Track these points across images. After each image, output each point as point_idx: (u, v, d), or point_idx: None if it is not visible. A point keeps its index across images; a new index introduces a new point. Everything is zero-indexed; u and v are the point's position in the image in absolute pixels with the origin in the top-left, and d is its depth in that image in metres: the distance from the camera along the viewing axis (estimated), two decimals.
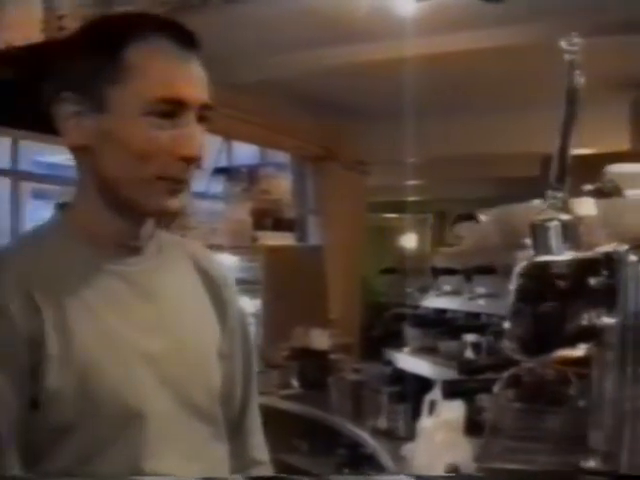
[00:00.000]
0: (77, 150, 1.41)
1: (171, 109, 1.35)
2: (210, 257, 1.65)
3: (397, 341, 4.42)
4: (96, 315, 1.36)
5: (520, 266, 1.60)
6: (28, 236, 1.50)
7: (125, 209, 1.40)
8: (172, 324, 1.45)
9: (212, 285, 1.57)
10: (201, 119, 1.39)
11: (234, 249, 5.61)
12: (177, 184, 1.38)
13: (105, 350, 1.34)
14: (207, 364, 1.50)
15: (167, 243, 1.54)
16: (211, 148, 6.48)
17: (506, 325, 1.54)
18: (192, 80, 1.38)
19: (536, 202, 3.31)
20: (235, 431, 1.59)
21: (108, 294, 1.39)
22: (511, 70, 5.57)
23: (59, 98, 1.37)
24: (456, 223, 4.32)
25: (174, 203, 1.39)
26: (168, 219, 1.48)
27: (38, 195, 5.48)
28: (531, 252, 1.68)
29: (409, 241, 12.34)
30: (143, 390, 1.37)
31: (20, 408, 1.30)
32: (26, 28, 3.62)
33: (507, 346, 1.56)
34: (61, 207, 1.47)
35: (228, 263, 5.26)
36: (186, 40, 1.38)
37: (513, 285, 1.59)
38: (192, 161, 1.38)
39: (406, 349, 4.28)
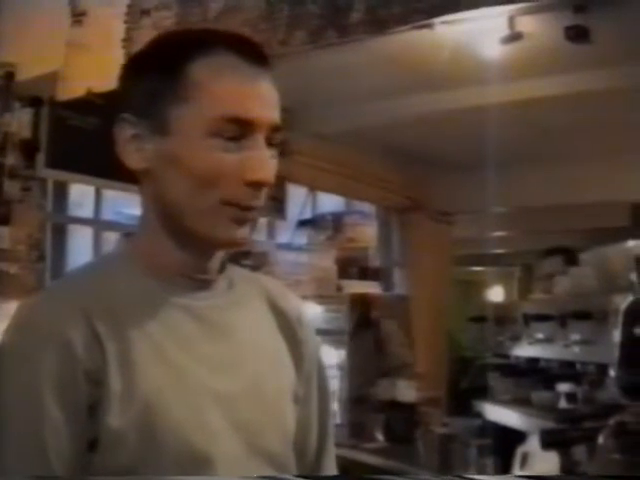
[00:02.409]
0: (140, 175, 1.34)
1: (238, 130, 1.26)
2: (285, 294, 1.54)
3: (486, 393, 4.30)
4: (161, 351, 1.27)
5: (626, 303, 1.51)
6: (91, 267, 1.42)
7: (189, 240, 1.31)
8: (243, 364, 1.36)
9: (287, 324, 1.47)
10: (271, 143, 1.30)
11: (318, 298, 5.54)
12: (244, 211, 1.29)
13: (170, 389, 1.25)
14: (281, 407, 1.40)
15: (239, 278, 1.45)
16: (296, 199, 6.52)
17: (612, 371, 1.45)
18: (262, 99, 1.29)
19: (631, 243, 3.22)
20: None
21: (174, 329, 1.30)
22: (600, 116, 5.44)
23: (119, 119, 1.31)
24: (547, 258, 4.21)
25: (241, 233, 1.30)
26: (233, 250, 1.40)
27: None
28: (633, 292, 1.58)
29: (495, 295, 12.15)
30: (211, 432, 1.27)
31: (77, 449, 1.21)
32: (108, 74, 3.64)
33: (614, 391, 1.46)
34: (126, 237, 1.40)
35: (312, 312, 5.17)
36: (255, 56, 1.30)
37: (619, 324, 1.50)
38: (260, 186, 1.28)
39: (496, 400, 4.16)
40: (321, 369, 1.55)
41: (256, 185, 1.28)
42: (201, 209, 1.28)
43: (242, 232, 1.31)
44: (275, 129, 1.31)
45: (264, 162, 1.28)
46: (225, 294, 1.39)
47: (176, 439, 1.24)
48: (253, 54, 1.30)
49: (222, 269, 1.40)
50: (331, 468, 1.54)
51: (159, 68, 1.29)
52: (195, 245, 1.33)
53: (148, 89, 1.30)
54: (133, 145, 1.31)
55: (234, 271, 1.45)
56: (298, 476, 1.40)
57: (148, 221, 1.36)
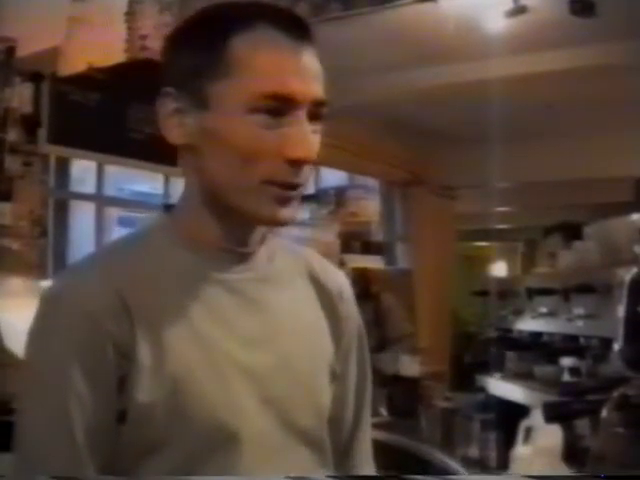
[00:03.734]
0: (181, 149, 1.32)
1: (279, 106, 1.24)
2: (328, 269, 1.51)
3: (490, 367, 4.30)
4: (194, 325, 1.26)
5: (630, 275, 1.50)
6: (128, 239, 1.41)
7: (231, 215, 1.30)
8: (279, 339, 1.34)
9: (327, 299, 1.45)
10: (314, 117, 1.27)
11: None
12: (286, 190, 1.26)
13: (201, 363, 1.25)
14: (316, 384, 1.38)
15: (280, 250, 1.43)
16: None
17: (616, 344, 1.44)
18: (303, 74, 1.26)
19: (635, 216, 3.21)
20: (343, 458, 1.47)
21: (208, 303, 1.29)
22: (604, 91, 5.41)
23: (161, 94, 1.29)
24: (548, 237, 4.20)
25: (284, 213, 1.27)
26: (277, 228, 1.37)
27: (124, 222, 5.49)
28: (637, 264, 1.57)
29: (498, 270, 12.15)
30: (242, 408, 1.26)
31: (104, 421, 1.21)
32: (109, 48, 3.63)
33: (618, 365, 1.45)
34: (167, 209, 1.38)
35: None
36: (298, 30, 1.27)
37: (623, 296, 1.49)
38: (301, 163, 1.26)
39: (499, 375, 4.16)
40: (361, 345, 1.52)
41: (296, 162, 1.26)
42: (243, 187, 1.26)
43: (286, 212, 1.28)
44: (318, 103, 1.28)
45: (304, 139, 1.26)
46: (264, 267, 1.37)
47: (204, 415, 1.24)
48: (295, 28, 1.27)
49: (262, 241, 1.39)
50: (366, 445, 1.53)
51: (200, 42, 1.28)
52: (237, 220, 1.31)
53: (189, 63, 1.28)
54: (175, 119, 1.29)
55: (276, 243, 1.43)
56: (329, 476, 1.39)
57: (189, 195, 1.35)
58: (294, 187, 1.28)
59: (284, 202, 1.28)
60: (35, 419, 1.22)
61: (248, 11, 1.29)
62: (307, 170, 1.29)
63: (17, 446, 1.23)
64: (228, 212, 1.30)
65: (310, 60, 1.28)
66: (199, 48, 1.28)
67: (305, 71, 1.27)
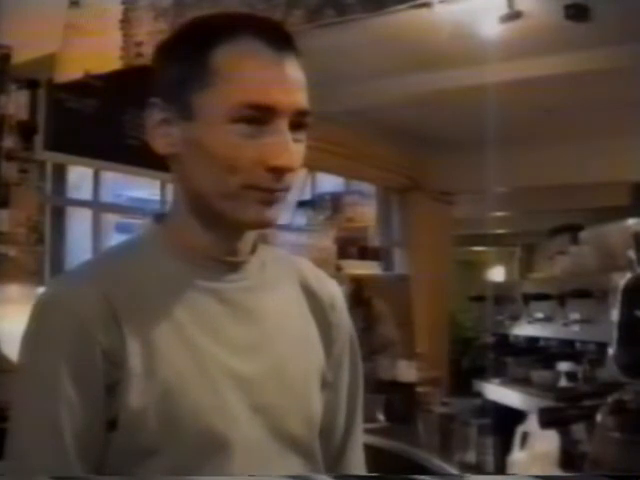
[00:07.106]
0: (169, 159, 1.33)
1: (261, 115, 1.24)
2: (320, 277, 1.51)
3: (487, 372, 4.29)
4: (184, 333, 1.26)
5: (625, 280, 1.50)
6: (118, 248, 1.41)
7: (217, 222, 1.30)
8: (269, 347, 1.34)
9: (319, 307, 1.45)
10: (297, 126, 1.28)
11: None
12: (269, 194, 1.27)
13: (192, 371, 1.25)
14: (307, 392, 1.38)
15: (272, 259, 1.43)
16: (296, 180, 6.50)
17: (611, 349, 1.44)
18: (285, 84, 1.26)
19: (630, 221, 3.22)
20: (335, 466, 1.46)
21: (198, 312, 1.29)
22: (600, 96, 5.42)
23: (148, 104, 1.31)
24: (554, 237, 4.19)
25: (268, 214, 1.28)
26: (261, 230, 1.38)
27: (122, 229, 5.49)
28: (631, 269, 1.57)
29: (496, 275, 12.16)
30: (232, 416, 1.27)
31: (94, 427, 1.21)
32: (105, 55, 3.63)
33: (614, 370, 1.45)
34: (157, 218, 1.39)
35: None
36: (281, 40, 1.28)
37: (617, 301, 1.49)
38: (282, 172, 1.26)
39: (496, 380, 4.15)
40: (353, 354, 1.52)
41: (277, 171, 1.26)
42: (225, 193, 1.27)
43: (270, 213, 1.29)
44: (301, 113, 1.28)
45: (285, 148, 1.26)
46: (255, 276, 1.38)
47: (195, 422, 1.24)
48: (277, 38, 1.28)
49: (253, 250, 1.39)
50: (358, 453, 1.53)
51: (185, 54, 1.29)
52: (223, 227, 1.32)
53: (175, 74, 1.30)
54: (161, 130, 1.31)
55: (267, 252, 1.43)
56: (331, 475, 1.39)
57: (178, 204, 1.36)
58: (275, 191, 1.28)
59: (267, 204, 1.28)
60: (25, 423, 1.23)
61: (231, 22, 1.30)
62: (291, 176, 1.29)
63: (8, 450, 1.23)
64: (214, 220, 1.31)
65: (293, 70, 1.29)
66: (184, 59, 1.29)
67: (287, 81, 1.27)
